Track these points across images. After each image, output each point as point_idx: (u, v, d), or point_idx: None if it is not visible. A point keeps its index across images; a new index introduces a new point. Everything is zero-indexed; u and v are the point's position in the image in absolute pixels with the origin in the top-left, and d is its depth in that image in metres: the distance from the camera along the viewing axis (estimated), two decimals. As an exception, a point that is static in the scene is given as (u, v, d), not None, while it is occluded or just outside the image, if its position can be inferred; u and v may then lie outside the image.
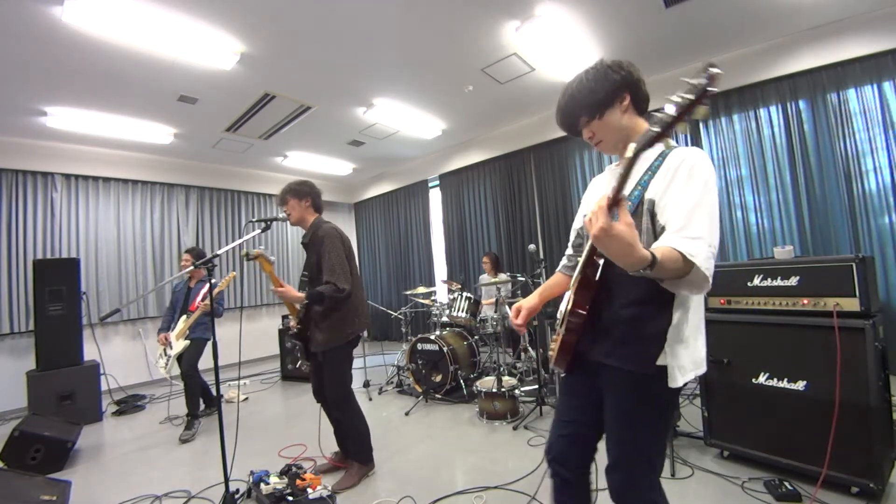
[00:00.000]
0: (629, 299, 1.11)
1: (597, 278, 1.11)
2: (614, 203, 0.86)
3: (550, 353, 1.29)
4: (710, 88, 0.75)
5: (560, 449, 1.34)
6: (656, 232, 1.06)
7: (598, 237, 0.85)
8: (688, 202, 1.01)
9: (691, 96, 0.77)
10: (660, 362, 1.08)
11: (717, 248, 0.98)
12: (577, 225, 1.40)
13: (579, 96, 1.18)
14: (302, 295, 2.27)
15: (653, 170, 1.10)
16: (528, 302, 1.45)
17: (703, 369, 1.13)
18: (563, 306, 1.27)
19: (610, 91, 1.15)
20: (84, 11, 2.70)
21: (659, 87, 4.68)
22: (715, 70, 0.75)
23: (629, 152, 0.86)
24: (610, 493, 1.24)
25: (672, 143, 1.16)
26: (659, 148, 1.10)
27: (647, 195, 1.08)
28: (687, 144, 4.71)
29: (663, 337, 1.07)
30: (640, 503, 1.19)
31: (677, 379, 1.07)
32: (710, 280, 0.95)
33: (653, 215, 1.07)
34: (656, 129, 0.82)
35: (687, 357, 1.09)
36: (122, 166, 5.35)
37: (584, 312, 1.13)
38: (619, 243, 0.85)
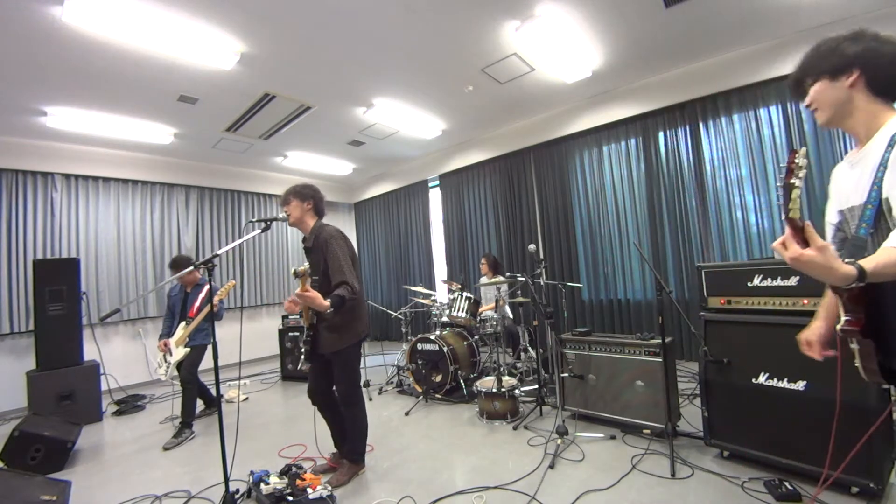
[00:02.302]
0: None
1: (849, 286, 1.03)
2: (798, 232, 0.89)
3: (856, 364, 1.17)
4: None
5: None
6: None
7: (791, 264, 0.90)
8: None
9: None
10: None
11: None
12: (831, 219, 1.24)
13: (815, 57, 1.12)
14: (327, 304, 2.19)
15: (884, 163, 1.00)
16: (817, 331, 1.27)
17: None
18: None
19: (838, 64, 1.08)
20: (84, 11, 2.70)
21: (658, 86, 4.72)
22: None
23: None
24: None
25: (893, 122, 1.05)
26: (888, 133, 1.03)
27: (884, 195, 1.00)
28: (688, 143, 4.70)
29: None
30: None
31: None
32: None
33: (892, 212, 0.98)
34: None
35: None
36: (122, 166, 5.35)
37: (857, 328, 1.05)
38: (812, 268, 0.89)
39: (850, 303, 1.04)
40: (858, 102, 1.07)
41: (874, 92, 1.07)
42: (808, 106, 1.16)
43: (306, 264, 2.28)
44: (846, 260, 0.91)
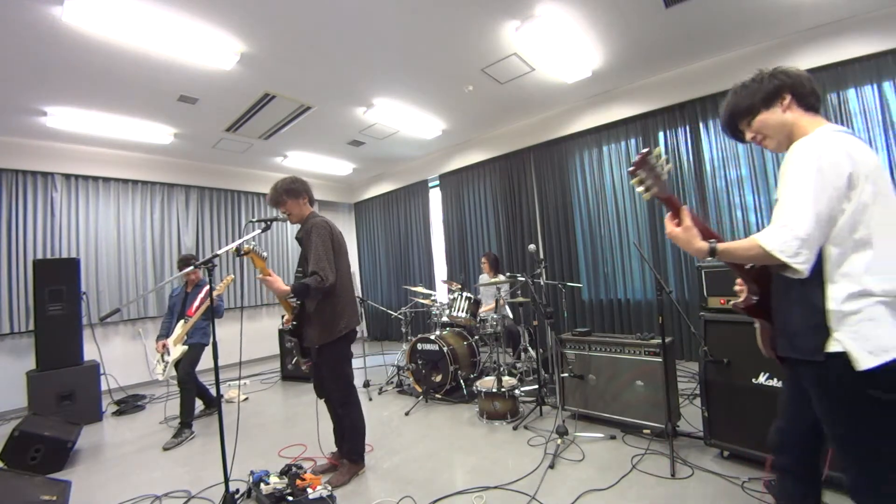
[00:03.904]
0: (785, 289, 1.18)
1: (746, 268, 1.30)
2: (675, 213, 1.23)
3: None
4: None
5: (774, 439, 1.35)
6: None
7: (667, 237, 1.27)
8: (783, 193, 1.10)
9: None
10: (833, 349, 1.04)
11: (805, 233, 1.02)
12: None
13: (743, 97, 1.28)
14: (287, 288, 2.22)
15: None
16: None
17: None
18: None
19: (768, 94, 1.24)
20: (84, 11, 2.70)
21: (658, 86, 4.72)
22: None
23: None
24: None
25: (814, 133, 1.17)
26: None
27: (775, 196, 1.18)
28: (688, 143, 4.71)
29: (823, 323, 1.06)
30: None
31: (864, 360, 1.00)
32: (796, 263, 1.03)
33: None
34: None
35: (870, 340, 1.01)
36: (122, 166, 5.35)
37: (744, 306, 1.32)
38: (677, 242, 1.24)
39: (754, 285, 1.29)
40: (796, 120, 1.21)
41: (804, 108, 1.22)
42: (751, 140, 1.31)
43: (252, 244, 2.20)
44: (715, 238, 1.21)
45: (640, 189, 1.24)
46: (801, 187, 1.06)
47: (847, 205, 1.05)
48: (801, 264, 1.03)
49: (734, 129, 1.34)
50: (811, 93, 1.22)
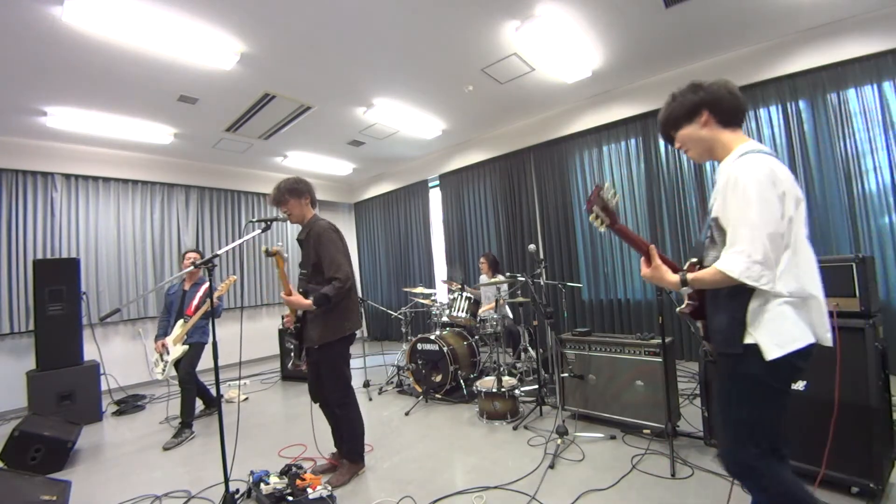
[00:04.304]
0: (713, 295, 1.32)
1: None
2: (646, 256, 1.39)
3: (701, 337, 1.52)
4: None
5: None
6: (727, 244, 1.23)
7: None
8: (733, 219, 1.18)
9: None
10: (747, 341, 1.20)
11: (762, 256, 1.11)
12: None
13: (671, 110, 1.39)
14: (309, 302, 2.26)
15: (715, 190, 1.28)
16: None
17: (803, 342, 1.16)
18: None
19: (689, 110, 1.34)
20: (84, 11, 2.70)
21: (658, 86, 4.72)
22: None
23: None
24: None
25: (737, 151, 1.26)
26: (727, 160, 1.27)
27: (712, 214, 1.28)
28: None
29: (742, 321, 1.21)
30: (738, 468, 1.31)
31: (772, 352, 1.16)
32: (762, 285, 1.13)
33: (722, 230, 1.23)
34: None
35: (777, 334, 1.16)
36: (122, 166, 5.35)
37: (687, 311, 1.42)
38: (651, 281, 1.41)
39: (693, 292, 1.39)
40: (714, 135, 1.32)
41: (722, 124, 1.31)
42: (679, 148, 1.42)
43: (279, 244, 2.27)
44: (683, 271, 1.33)
45: (596, 223, 1.41)
46: (748, 212, 1.14)
47: (784, 220, 1.16)
48: (767, 285, 1.13)
49: (668, 137, 1.45)
50: (730, 109, 1.31)
